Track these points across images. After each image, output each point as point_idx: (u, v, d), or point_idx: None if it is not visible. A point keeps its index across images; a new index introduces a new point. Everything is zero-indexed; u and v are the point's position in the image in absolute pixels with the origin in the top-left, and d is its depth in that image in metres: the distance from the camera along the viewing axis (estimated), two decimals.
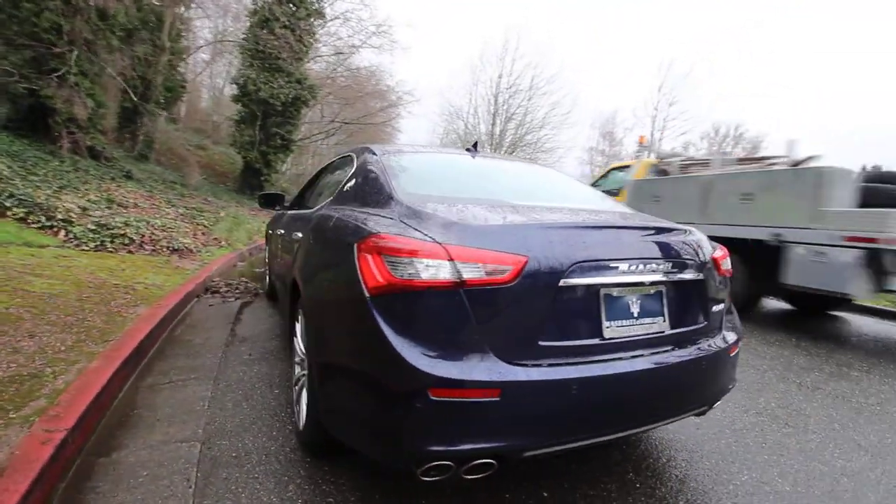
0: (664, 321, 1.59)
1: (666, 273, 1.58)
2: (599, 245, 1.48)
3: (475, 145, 2.67)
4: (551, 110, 24.42)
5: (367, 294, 1.37)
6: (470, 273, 1.30)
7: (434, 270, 1.30)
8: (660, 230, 1.65)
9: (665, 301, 1.60)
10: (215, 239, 7.35)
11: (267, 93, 13.32)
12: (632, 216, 1.96)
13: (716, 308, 1.78)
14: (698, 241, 1.77)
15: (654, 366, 1.50)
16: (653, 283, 1.56)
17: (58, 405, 2.00)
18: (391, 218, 1.59)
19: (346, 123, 17.88)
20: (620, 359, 1.47)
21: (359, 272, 1.41)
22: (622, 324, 1.49)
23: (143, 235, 5.79)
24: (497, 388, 1.27)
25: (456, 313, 1.31)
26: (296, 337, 2.18)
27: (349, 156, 2.57)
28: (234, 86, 14.51)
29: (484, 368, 1.29)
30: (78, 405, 2.03)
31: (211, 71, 22.89)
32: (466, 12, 48.21)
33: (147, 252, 5.56)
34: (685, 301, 1.67)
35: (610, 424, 1.48)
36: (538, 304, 1.37)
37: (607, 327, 1.46)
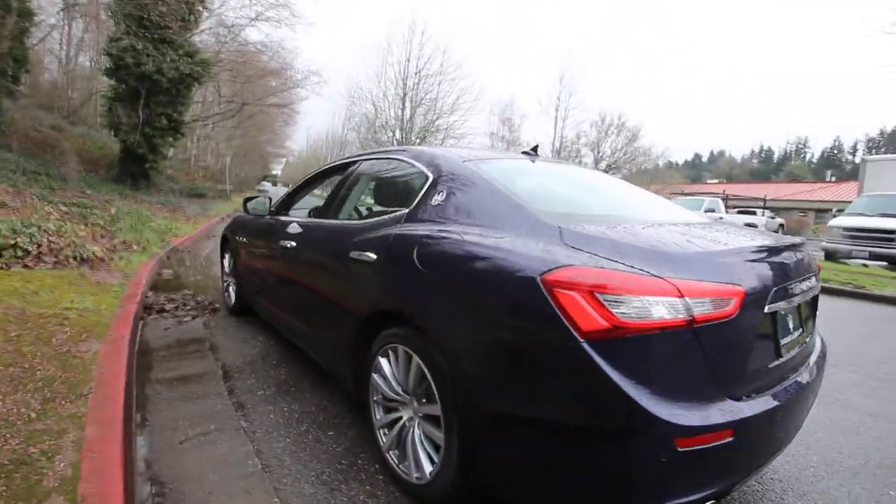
0: (804, 332, 1.66)
1: (810, 286, 1.65)
2: (779, 266, 1.48)
3: (535, 149, 2.51)
4: (461, 96, 24.63)
5: (579, 338, 1.20)
6: (699, 309, 1.20)
7: (666, 309, 1.18)
8: (793, 246, 1.69)
9: (802, 312, 1.66)
10: (123, 243, 6.18)
11: (152, 67, 11.47)
12: (764, 232, 2.00)
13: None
14: (811, 252, 1.88)
15: (811, 376, 1.58)
16: (802, 296, 1.60)
17: (84, 502, 1.49)
18: (546, 242, 1.41)
19: (245, 104, 16.17)
20: (796, 375, 1.51)
21: (558, 312, 1.22)
22: (788, 340, 1.52)
23: (41, 245, 4.64)
24: (731, 428, 1.21)
25: (688, 353, 1.20)
26: (377, 375, 1.89)
27: (399, 160, 2.26)
28: (107, 57, 12.25)
29: (718, 409, 1.21)
30: (111, 497, 1.54)
31: (63, 38, 19.05)
32: None
33: (49, 266, 4.47)
34: (811, 309, 1.77)
35: (782, 443, 1.51)
36: (748, 334, 1.32)
37: (783, 346, 1.47)
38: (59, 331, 2.88)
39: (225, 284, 4.18)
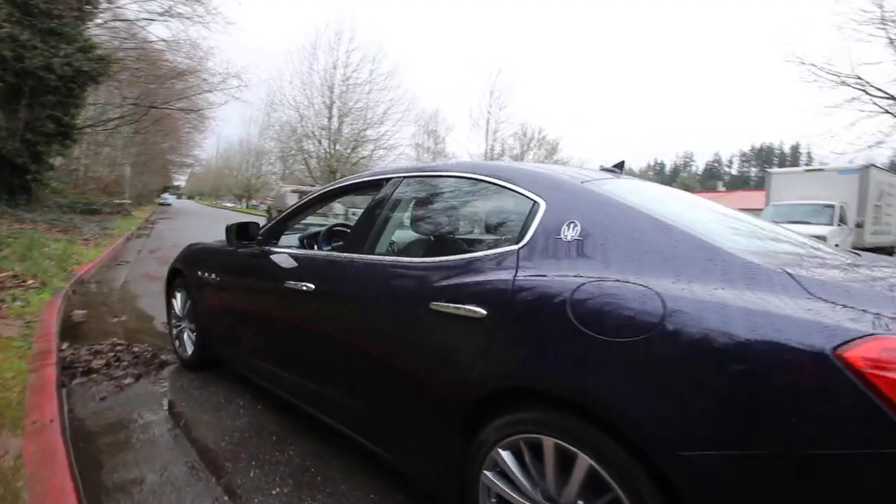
0: None
1: None
2: None
3: (621, 165, 2.12)
4: (391, 106, 24.08)
5: None
6: None
7: None
8: None
9: None
10: (14, 277, 4.88)
11: (39, 62, 9.64)
12: None
13: None
14: None
15: None
16: None
17: None
18: (789, 295, 1.03)
19: (153, 107, 14.28)
20: None
21: (880, 403, 0.84)
22: None
23: None
24: None
25: None
26: (494, 474, 1.36)
27: (477, 179, 1.76)
28: None
29: None
30: None
31: None
32: None
33: None
34: None
35: None
36: None
37: None
38: None
39: (176, 331, 3.32)
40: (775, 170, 13.34)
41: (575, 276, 1.29)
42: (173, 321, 3.36)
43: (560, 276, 1.31)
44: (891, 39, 10.89)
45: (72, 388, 2.81)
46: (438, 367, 1.54)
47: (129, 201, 22.56)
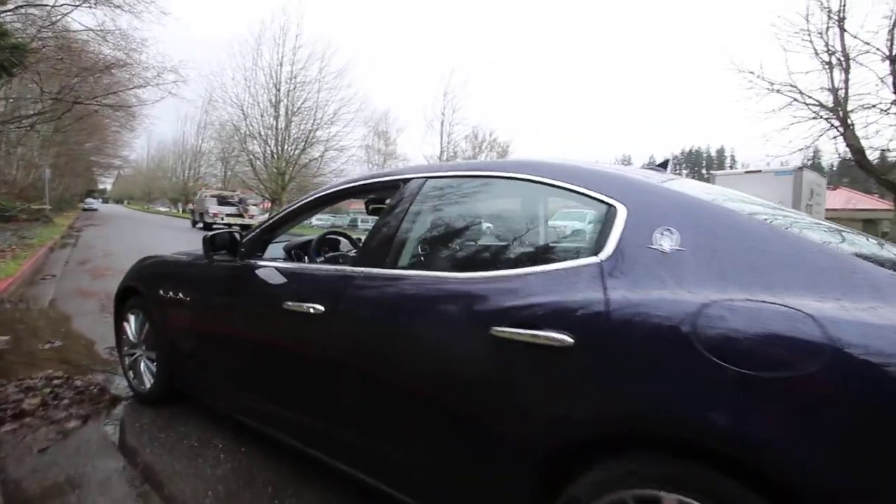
0: None
1: None
2: None
3: (665, 164, 1.94)
4: (342, 106, 23.28)
5: None
6: None
7: None
8: None
9: None
10: None
11: None
12: None
13: None
14: None
15: None
16: None
17: None
18: None
19: (77, 103, 12.87)
20: None
21: None
22: None
23: None
24: None
25: None
26: None
27: (529, 181, 1.50)
28: None
29: None
30: None
31: None
32: None
33: None
34: None
35: None
36: None
37: None
38: None
39: (129, 360, 2.82)
40: (718, 172, 14.15)
41: (690, 296, 1.07)
42: (125, 348, 2.86)
43: (670, 296, 1.09)
44: (816, 51, 11.79)
45: (1, 439, 2.28)
46: (504, 405, 1.28)
47: (49, 207, 20.40)
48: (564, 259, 1.32)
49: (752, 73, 12.27)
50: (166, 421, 2.53)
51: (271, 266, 2.03)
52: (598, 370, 1.13)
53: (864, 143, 11.40)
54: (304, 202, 2.22)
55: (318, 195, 2.19)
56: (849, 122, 11.33)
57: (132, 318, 2.79)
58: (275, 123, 22.32)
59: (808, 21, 11.75)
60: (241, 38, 32.54)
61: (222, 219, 19.93)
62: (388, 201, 1.80)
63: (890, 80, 10.64)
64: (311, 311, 1.72)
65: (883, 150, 12.09)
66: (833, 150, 12.67)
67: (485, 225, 1.71)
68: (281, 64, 22.78)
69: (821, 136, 12.20)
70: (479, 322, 1.32)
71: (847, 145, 11.68)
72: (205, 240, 2.16)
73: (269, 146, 22.87)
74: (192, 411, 2.62)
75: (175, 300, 2.42)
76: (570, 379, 1.16)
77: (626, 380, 1.09)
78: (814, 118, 12.01)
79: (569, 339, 1.15)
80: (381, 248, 1.70)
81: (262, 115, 22.52)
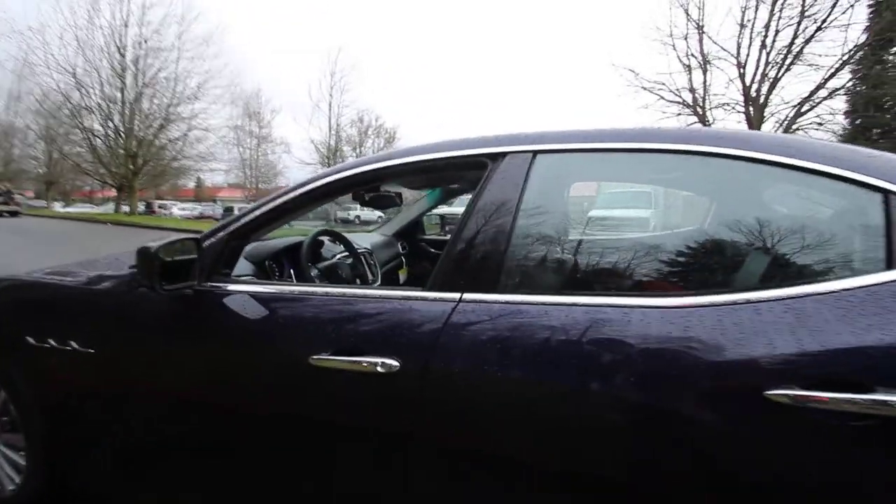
0: None
1: None
2: None
3: None
4: (208, 79, 20.20)
5: None
6: None
7: None
8: None
9: None
10: None
11: None
12: None
13: None
14: None
15: None
16: None
17: None
18: None
19: None
20: None
21: None
22: None
23: None
24: None
25: None
26: None
27: (766, 161, 0.97)
28: None
29: None
30: None
31: None
32: None
33: None
34: None
35: None
36: None
37: None
38: None
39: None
40: None
41: None
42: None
43: None
44: (678, 55, 13.33)
45: None
46: None
47: None
48: (825, 276, 0.89)
49: (632, 70, 13.40)
50: None
51: (263, 289, 1.27)
52: None
53: None
54: (292, 196, 1.41)
55: (310, 187, 1.40)
56: (707, 119, 13.00)
57: (19, 377, 1.68)
58: (120, 96, 18.45)
59: (671, 26, 13.19)
60: None
61: None
62: (478, 189, 1.16)
63: (738, 81, 12.43)
64: (380, 369, 1.04)
65: None
66: None
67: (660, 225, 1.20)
68: (126, 24, 18.93)
69: None
70: (744, 381, 0.82)
71: None
72: (144, 254, 1.24)
73: (113, 122, 18.92)
74: None
75: (65, 352, 1.46)
76: None
77: None
78: (679, 115, 13.59)
79: None
80: (482, 265, 1.08)
81: (102, 85, 18.46)
